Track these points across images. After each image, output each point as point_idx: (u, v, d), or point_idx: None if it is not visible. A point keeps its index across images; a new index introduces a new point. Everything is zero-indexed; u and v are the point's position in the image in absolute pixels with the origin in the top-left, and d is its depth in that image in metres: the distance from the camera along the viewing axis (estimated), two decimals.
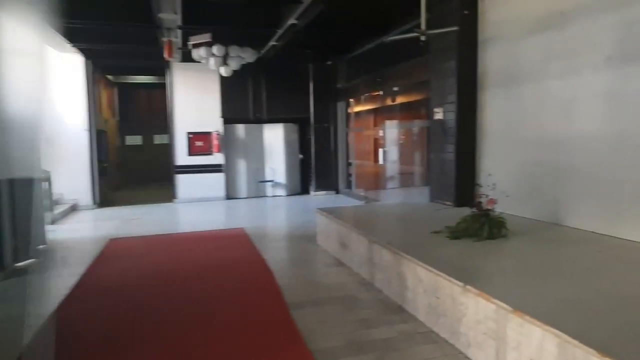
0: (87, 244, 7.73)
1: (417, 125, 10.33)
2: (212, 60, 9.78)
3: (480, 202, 5.06)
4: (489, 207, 4.99)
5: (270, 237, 8.07)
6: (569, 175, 5.24)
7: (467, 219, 5.07)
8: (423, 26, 5.98)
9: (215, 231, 8.66)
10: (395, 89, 9.99)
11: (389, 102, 10.90)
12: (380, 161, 10.38)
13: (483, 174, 6.60)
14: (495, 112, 6.47)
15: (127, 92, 17.70)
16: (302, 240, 7.59)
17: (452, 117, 6.88)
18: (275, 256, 6.67)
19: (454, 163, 6.83)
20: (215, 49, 9.49)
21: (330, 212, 6.96)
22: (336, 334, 3.94)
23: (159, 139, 17.71)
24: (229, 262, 6.52)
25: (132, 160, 17.93)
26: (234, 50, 9.57)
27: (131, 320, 4.45)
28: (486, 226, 4.88)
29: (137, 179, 17.31)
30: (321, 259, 6.49)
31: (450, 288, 3.70)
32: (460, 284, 3.57)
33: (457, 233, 5.00)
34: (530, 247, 4.62)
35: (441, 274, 3.84)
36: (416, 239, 5.12)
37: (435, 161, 7.36)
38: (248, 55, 9.89)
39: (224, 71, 10.02)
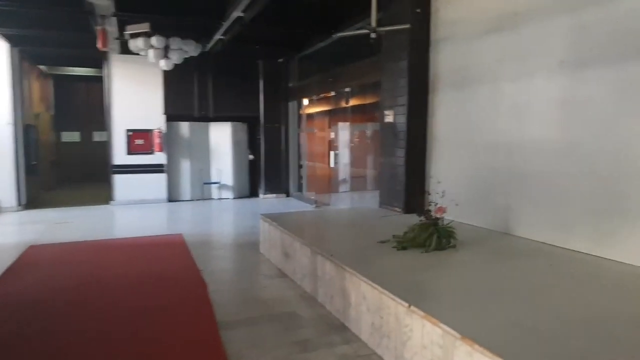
0: (2, 251, 7.00)
1: (369, 127, 10.10)
2: (151, 53, 9.18)
3: (429, 211, 4.81)
4: (438, 216, 4.75)
5: (210, 244, 7.58)
6: (521, 183, 5.08)
7: (415, 228, 4.81)
8: (374, 23, 5.70)
9: (151, 238, 8.08)
10: (347, 89, 9.71)
11: (342, 103, 10.62)
12: (332, 164, 10.08)
13: (433, 180, 6.39)
14: (447, 115, 6.27)
15: (63, 85, 16.63)
16: (244, 249, 7.16)
17: (402, 120, 6.65)
18: (213, 267, 6.22)
19: (404, 168, 6.60)
20: (154, 40, 8.91)
21: (274, 218, 6.56)
22: None
23: (98, 136, 16.72)
24: (161, 273, 6.01)
25: (69, 157, 16.87)
26: (175, 43, 9.01)
27: (38, 341, 3.90)
28: (434, 236, 4.64)
29: (74, 178, 16.31)
30: (263, 269, 6.08)
31: (395, 307, 3.40)
32: (405, 304, 3.27)
33: (404, 243, 4.73)
34: (480, 260, 4.40)
35: (385, 291, 3.53)
36: (362, 250, 4.81)
37: (386, 165, 7.11)
38: (191, 49, 9.35)
39: (164, 64, 9.43)
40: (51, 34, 9.95)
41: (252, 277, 5.84)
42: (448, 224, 4.76)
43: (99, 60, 11.89)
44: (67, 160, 16.76)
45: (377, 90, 9.36)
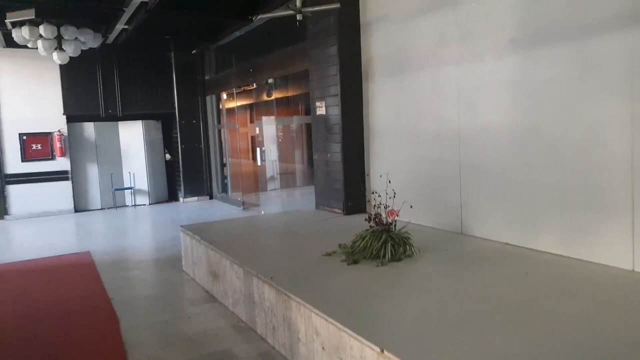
0: None
1: (296, 121, 9.24)
2: (40, 44, 7.65)
3: (379, 215, 4.05)
4: (390, 220, 4.01)
5: (123, 263, 6.36)
6: (474, 176, 4.46)
7: (365, 236, 4.04)
8: (298, 3, 4.83)
9: (50, 259, 6.70)
10: (270, 80, 8.75)
11: (265, 95, 9.65)
12: (258, 162, 9.10)
13: (374, 177, 5.68)
14: (385, 104, 5.56)
15: None
16: (164, 267, 6.05)
17: (336, 112, 5.85)
18: (127, 293, 5.09)
19: (341, 165, 5.82)
20: (42, 30, 7.40)
21: (196, 230, 5.53)
22: None
23: None
24: (61, 305, 4.81)
25: None
26: (68, 32, 7.55)
27: None
28: (389, 245, 3.89)
29: None
30: (187, 293, 5.06)
31: (361, 350, 2.58)
32: (376, 347, 2.46)
33: (354, 255, 3.94)
34: (445, 272, 3.69)
35: (345, 328, 2.70)
36: (306, 267, 3.95)
37: (320, 162, 6.30)
38: (89, 39, 7.93)
39: (58, 58, 7.93)
40: None
41: (175, 304, 4.79)
42: (402, 228, 4.03)
43: None
44: None
45: (304, 81, 8.55)
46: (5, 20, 7.54)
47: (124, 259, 6.61)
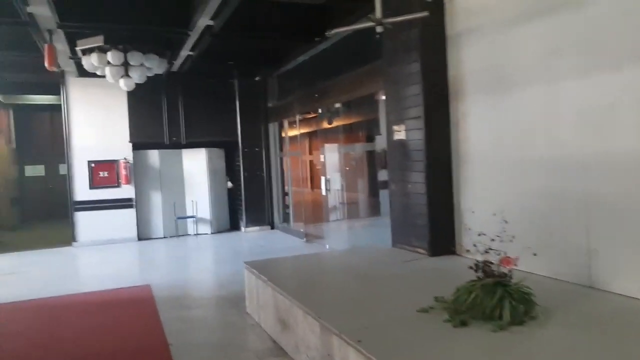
0: None
1: (366, 148, 8.49)
2: (108, 71, 7.42)
3: (489, 263, 3.16)
4: (506, 271, 3.11)
5: (183, 301, 5.75)
6: (608, 215, 3.48)
7: (473, 289, 3.15)
8: (378, 13, 4.13)
9: (111, 292, 6.23)
10: (337, 105, 8.09)
11: (329, 122, 9.02)
12: (323, 191, 8.40)
13: (466, 212, 4.78)
14: (480, 127, 4.69)
15: (24, 115, 14.65)
16: (226, 307, 5.38)
17: (418, 136, 5.04)
18: (186, 338, 4.45)
19: (425, 197, 4.96)
20: (110, 56, 7.15)
21: (262, 268, 4.82)
22: None
23: (65, 169, 14.70)
24: (116, 351, 4.21)
25: (33, 193, 14.81)
26: (135, 58, 7.27)
27: None
28: (507, 303, 2.98)
29: (40, 216, 14.28)
30: (252, 342, 4.34)
31: None
32: None
33: (461, 315, 3.06)
34: (589, 342, 2.74)
35: None
36: (398, 325, 3.11)
37: (397, 193, 5.48)
38: (155, 65, 7.62)
39: (125, 84, 7.68)
40: None
41: (239, 356, 4.06)
42: (520, 282, 3.11)
43: (56, 85, 10.06)
44: (32, 196, 14.72)
45: (371, 105, 7.87)
46: (76, 48, 7.40)
47: (185, 294, 6.02)
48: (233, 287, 6.06)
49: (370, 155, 8.74)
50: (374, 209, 8.70)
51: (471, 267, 3.27)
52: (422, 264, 4.65)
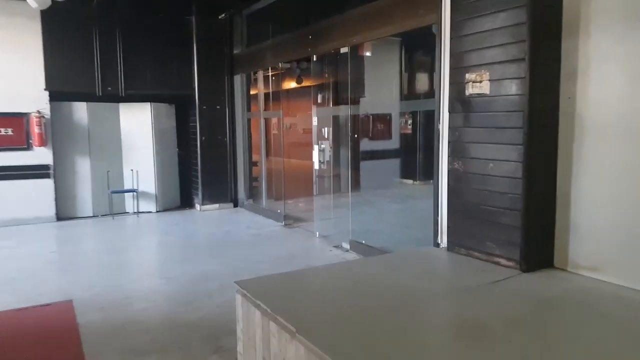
0: None
1: (352, 112, 6.68)
2: None
3: None
4: None
5: (129, 334, 3.74)
6: None
7: None
8: None
9: (11, 314, 4.10)
10: (344, 49, 6.11)
11: (325, 75, 7.12)
12: (315, 164, 6.56)
13: (585, 206, 3.15)
14: (622, 79, 3.01)
15: None
16: (201, 348, 3.45)
17: (513, 89, 3.29)
18: None
19: (521, 183, 3.26)
20: None
21: (270, 296, 2.92)
22: None
23: None
24: None
25: None
26: None
27: None
28: None
29: None
30: None
31: None
32: None
33: None
34: None
35: None
36: None
37: (461, 177, 3.74)
38: None
39: (35, 1, 5.29)
40: None
41: None
42: None
43: None
44: None
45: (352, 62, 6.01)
46: None
47: (129, 320, 3.98)
48: (202, 304, 4.17)
49: (354, 121, 7.06)
50: (356, 183, 7.23)
51: None
52: (519, 287, 2.93)
